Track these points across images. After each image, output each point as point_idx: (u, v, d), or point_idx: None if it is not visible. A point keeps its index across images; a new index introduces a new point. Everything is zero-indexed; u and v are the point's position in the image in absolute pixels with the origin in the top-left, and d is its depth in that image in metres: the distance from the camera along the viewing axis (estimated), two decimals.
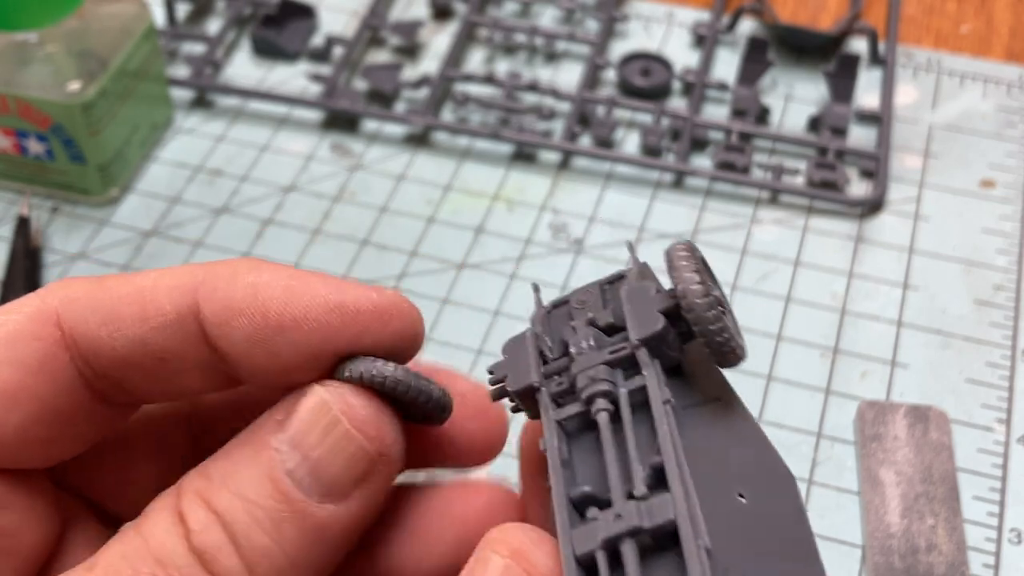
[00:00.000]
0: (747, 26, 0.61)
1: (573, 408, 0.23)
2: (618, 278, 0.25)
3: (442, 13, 0.62)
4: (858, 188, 0.53)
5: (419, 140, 0.55)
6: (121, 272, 0.49)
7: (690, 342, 0.24)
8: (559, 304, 0.26)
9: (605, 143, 0.54)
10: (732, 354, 0.23)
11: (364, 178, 0.54)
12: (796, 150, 0.55)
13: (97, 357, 0.25)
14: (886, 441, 0.43)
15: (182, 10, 0.62)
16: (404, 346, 0.25)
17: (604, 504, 0.21)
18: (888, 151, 0.54)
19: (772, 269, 0.50)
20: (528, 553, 0.22)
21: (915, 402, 0.45)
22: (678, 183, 0.54)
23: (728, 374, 0.48)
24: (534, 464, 0.26)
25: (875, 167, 0.53)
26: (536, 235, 0.51)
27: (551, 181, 0.54)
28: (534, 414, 0.25)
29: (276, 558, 0.23)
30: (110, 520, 0.29)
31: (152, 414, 0.28)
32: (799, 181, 0.53)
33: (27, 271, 0.48)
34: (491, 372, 0.25)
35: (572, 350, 0.24)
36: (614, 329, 0.24)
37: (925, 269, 0.50)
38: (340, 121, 0.56)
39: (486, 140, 0.55)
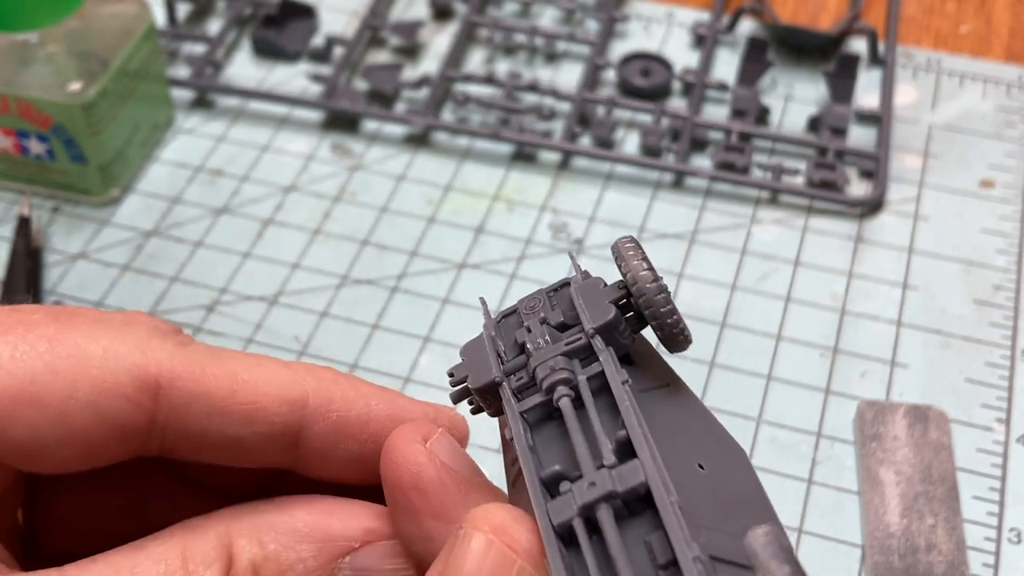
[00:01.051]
0: (747, 26, 0.61)
1: (535, 399, 0.25)
2: (563, 285, 0.27)
3: (442, 13, 0.62)
4: (858, 188, 0.53)
5: (419, 140, 0.55)
6: (121, 271, 0.50)
7: (639, 332, 0.25)
8: (508, 314, 0.27)
9: (605, 143, 0.55)
10: (681, 336, 0.25)
11: (364, 178, 0.54)
12: (796, 150, 0.55)
13: (184, 436, 0.25)
14: (886, 441, 0.43)
15: (183, 10, 0.62)
16: None
17: (574, 479, 0.22)
18: (888, 151, 0.54)
19: (772, 269, 0.50)
20: (509, 529, 0.22)
21: (915, 402, 0.45)
22: (678, 183, 0.54)
23: (727, 374, 0.48)
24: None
25: (875, 167, 0.53)
26: (536, 235, 0.51)
27: (551, 181, 0.54)
28: (495, 411, 0.26)
29: None
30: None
31: None
32: (799, 181, 0.53)
33: (28, 271, 0.48)
34: (451, 375, 0.26)
35: (529, 346, 0.25)
36: (565, 327, 0.26)
37: (925, 269, 0.50)
38: (340, 121, 0.56)
39: (486, 140, 0.55)
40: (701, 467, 0.23)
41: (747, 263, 0.50)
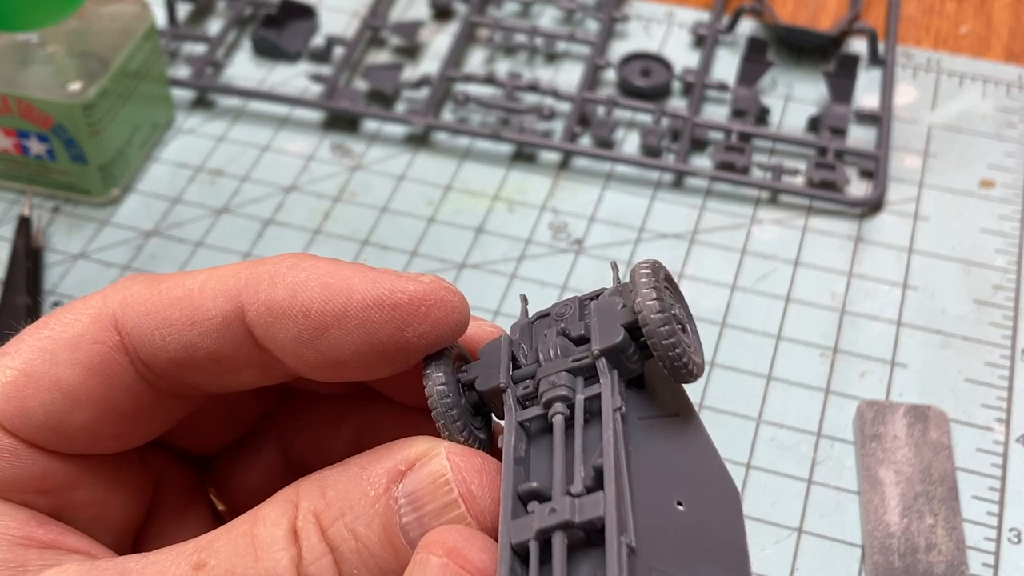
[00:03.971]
0: (747, 26, 0.61)
1: (534, 410, 0.24)
2: (599, 294, 0.26)
3: (442, 13, 0.62)
4: (858, 188, 0.53)
5: (419, 140, 0.55)
6: (121, 271, 0.50)
7: (651, 358, 0.25)
8: (543, 315, 0.26)
9: (605, 143, 0.55)
10: (684, 370, 0.24)
11: (365, 178, 0.54)
12: (796, 150, 0.55)
13: (154, 359, 0.25)
14: (885, 441, 0.43)
15: (183, 10, 0.62)
16: (447, 333, 0.25)
17: (546, 500, 0.22)
18: (887, 151, 0.54)
19: (772, 269, 0.50)
20: (462, 550, 0.22)
21: (914, 402, 0.45)
22: (678, 183, 0.54)
23: (727, 374, 0.48)
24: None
25: (875, 167, 0.53)
26: (536, 235, 0.51)
27: (551, 181, 0.54)
28: (500, 414, 0.26)
29: None
30: (193, 457, 0.30)
31: None
32: (799, 181, 0.53)
33: (28, 271, 0.48)
34: (464, 372, 0.26)
35: (541, 356, 0.25)
36: (584, 340, 0.25)
37: (924, 269, 0.50)
38: (341, 121, 0.56)
39: (486, 140, 0.55)
40: (680, 504, 0.23)
41: (747, 263, 0.50)
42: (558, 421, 0.24)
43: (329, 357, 0.25)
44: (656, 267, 0.25)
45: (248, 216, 0.52)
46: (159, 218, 0.52)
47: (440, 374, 0.25)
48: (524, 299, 0.27)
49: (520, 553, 0.22)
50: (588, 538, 0.22)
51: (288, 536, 0.23)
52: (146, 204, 0.53)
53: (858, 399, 0.45)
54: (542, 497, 0.22)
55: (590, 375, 0.24)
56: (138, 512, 0.28)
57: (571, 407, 0.24)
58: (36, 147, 0.50)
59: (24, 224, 0.50)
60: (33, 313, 0.47)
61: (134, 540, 0.29)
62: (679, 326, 0.24)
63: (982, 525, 0.42)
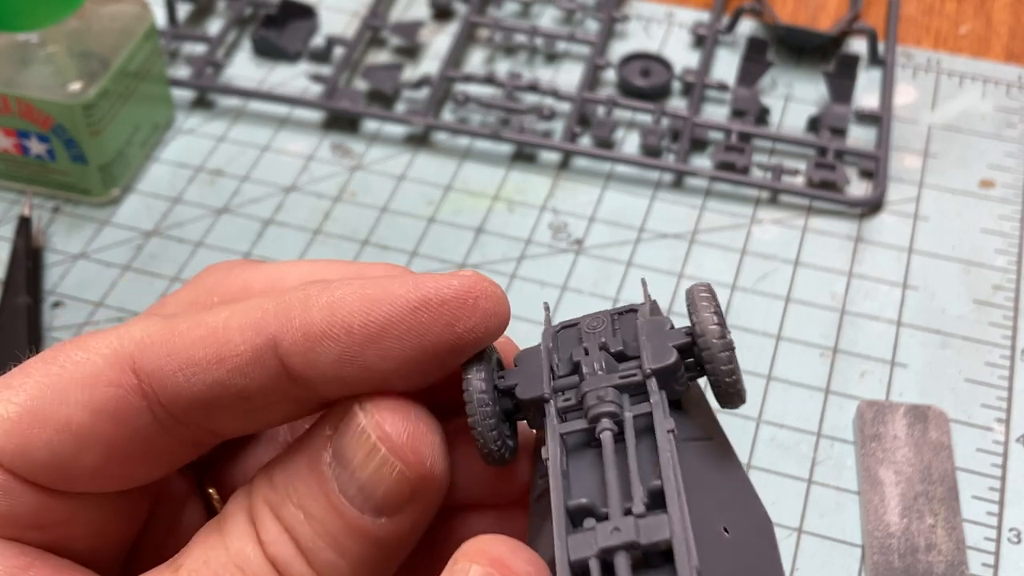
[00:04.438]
0: (747, 26, 0.61)
1: (578, 424, 0.24)
2: (628, 310, 0.26)
3: (442, 13, 0.62)
4: (858, 188, 0.53)
5: (419, 140, 0.55)
6: (121, 271, 0.50)
7: (694, 380, 0.25)
8: (568, 326, 0.26)
9: (605, 143, 0.55)
10: (737, 396, 0.24)
11: (365, 178, 0.54)
12: (796, 150, 0.55)
13: (175, 402, 0.25)
14: (885, 441, 0.43)
15: (183, 10, 0.62)
16: (496, 324, 0.25)
17: (600, 517, 0.22)
18: (887, 151, 0.54)
19: (772, 269, 0.50)
20: (507, 560, 0.22)
21: (914, 402, 0.45)
22: (678, 183, 0.54)
23: None
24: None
25: (874, 167, 0.53)
26: (536, 235, 0.51)
27: (551, 181, 0.54)
28: (536, 424, 0.26)
29: (342, 569, 0.24)
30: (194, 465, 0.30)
31: None
32: (799, 181, 0.53)
33: (28, 271, 0.48)
34: (502, 377, 0.26)
35: (584, 370, 0.25)
36: (623, 357, 0.25)
37: (924, 269, 0.50)
38: (341, 121, 0.56)
39: (486, 140, 0.55)
40: (726, 531, 0.23)
41: (747, 263, 0.50)
42: (607, 437, 0.23)
43: (375, 371, 0.24)
44: (712, 291, 0.25)
45: (248, 216, 0.52)
46: (159, 218, 0.52)
47: (480, 381, 0.25)
48: (547, 307, 0.28)
49: (578, 570, 0.21)
50: (645, 559, 0.21)
51: (249, 525, 0.24)
52: (146, 204, 0.53)
53: (858, 399, 0.45)
54: (594, 514, 0.22)
55: (636, 393, 0.24)
56: (135, 528, 0.28)
57: (618, 423, 0.24)
58: (36, 147, 0.50)
59: (24, 224, 0.50)
60: (33, 313, 0.47)
61: (129, 548, 0.28)
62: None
63: (982, 525, 0.42)
